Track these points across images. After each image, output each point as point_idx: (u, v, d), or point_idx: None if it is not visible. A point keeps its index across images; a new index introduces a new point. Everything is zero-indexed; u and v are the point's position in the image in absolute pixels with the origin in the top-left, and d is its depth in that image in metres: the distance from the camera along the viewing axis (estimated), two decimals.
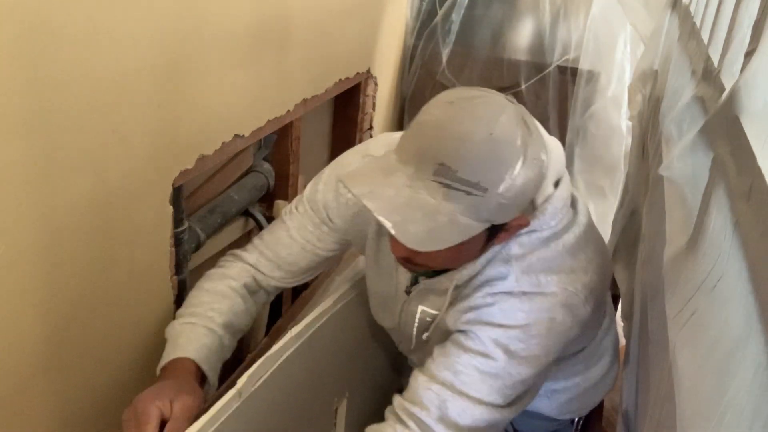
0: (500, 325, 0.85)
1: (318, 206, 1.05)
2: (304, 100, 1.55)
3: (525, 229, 0.87)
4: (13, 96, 0.75)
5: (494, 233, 0.83)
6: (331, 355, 1.17)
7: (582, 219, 0.95)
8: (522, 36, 2.35)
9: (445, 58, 2.25)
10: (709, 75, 0.91)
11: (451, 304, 0.93)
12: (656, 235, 0.96)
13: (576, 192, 1.00)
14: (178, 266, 1.19)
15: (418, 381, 0.88)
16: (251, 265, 1.09)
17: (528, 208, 0.86)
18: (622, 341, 1.31)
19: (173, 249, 1.15)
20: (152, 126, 1.01)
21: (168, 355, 0.97)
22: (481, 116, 0.76)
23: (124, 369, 1.10)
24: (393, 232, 0.74)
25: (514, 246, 0.88)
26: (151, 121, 1.00)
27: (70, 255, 0.90)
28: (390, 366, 1.44)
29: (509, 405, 0.88)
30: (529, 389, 0.91)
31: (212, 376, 0.98)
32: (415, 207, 0.75)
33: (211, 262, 1.47)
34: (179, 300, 1.22)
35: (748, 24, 0.75)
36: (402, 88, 2.41)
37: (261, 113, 1.36)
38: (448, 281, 0.91)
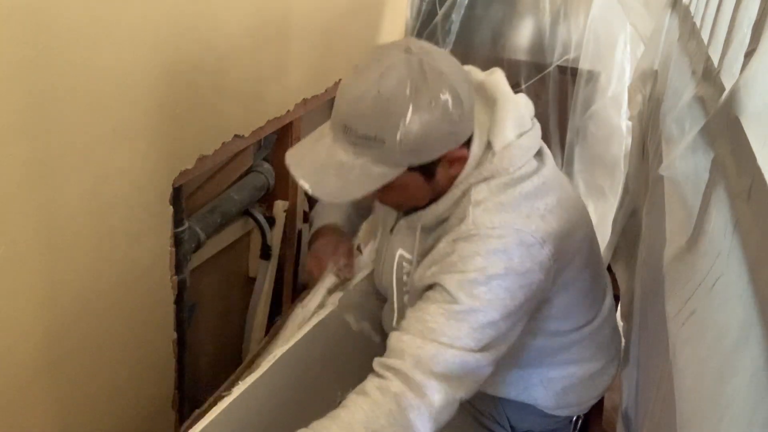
0: (460, 271, 0.89)
1: None
2: (304, 100, 1.55)
3: (483, 175, 0.94)
4: (13, 96, 0.75)
5: (429, 170, 0.93)
6: (332, 350, 1.17)
7: (546, 171, 0.98)
8: (522, 36, 2.35)
9: None
10: (709, 75, 0.91)
11: (419, 260, 0.99)
12: (656, 235, 0.96)
13: (546, 147, 1.03)
14: (178, 266, 1.19)
15: (392, 337, 0.91)
16: None
17: (463, 138, 0.93)
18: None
19: (173, 249, 1.15)
20: (152, 126, 1.01)
21: (317, 224, 1.26)
22: (369, 76, 0.87)
23: (124, 369, 1.10)
24: (310, 191, 0.89)
25: (474, 193, 0.94)
26: (151, 121, 1.00)
27: (70, 255, 0.90)
28: None
29: (482, 350, 0.88)
30: (501, 335, 0.90)
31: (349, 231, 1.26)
32: (330, 166, 0.89)
33: (211, 262, 1.47)
34: (179, 300, 1.22)
35: (748, 24, 0.75)
36: None
37: (261, 113, 1.36)
38: (417, 220, 1.01)
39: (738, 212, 0.56)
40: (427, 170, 0.93)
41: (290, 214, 1.72)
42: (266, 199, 1.66)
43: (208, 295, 1.52)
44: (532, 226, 0.91)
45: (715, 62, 0.90)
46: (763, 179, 0.51)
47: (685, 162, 0.80)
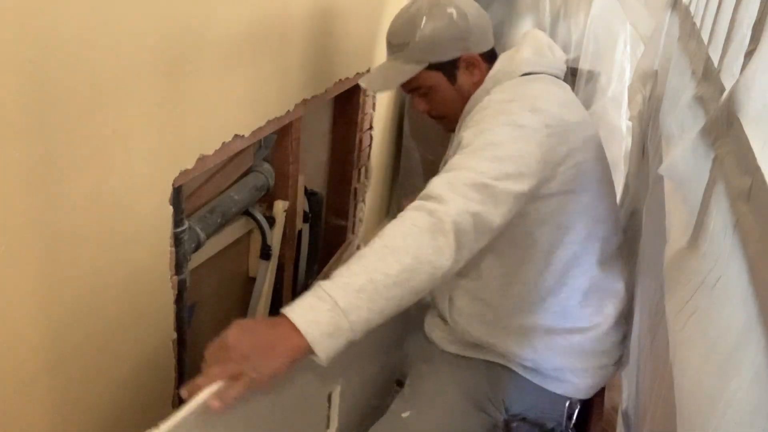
0: (476, 124, 1.09)
1: None
2: (304, 100, 1.55)
3: (499, 77, 1.21)
4: (13, 96, 0.75)
5: (449, 71, 1.24)
6: None
7: (561, 84, 1.25)
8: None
9: None
10: (709, 75, 0.91)
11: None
12: (656, 235, 0.96)
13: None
14: (178, 266, 1.19)
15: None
16: None
17: (473, 46, 1.24)
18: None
19: (173, 249, 1.15)
20: (152, 126, 1.01)
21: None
22: (405, 7, 1.27)
23: (124, 369, 1.10)
24: (364, 86, 1.34)
25: (493, 91, 1.18)
26: (151, 121, 1.00)
27: (70, 255, 0.90)
28: (384, 360, 1.44)
29: (496, 178, 1.00)
30: (510, 173, 1.01)
31: None
32: (382, 72, 1.31)
33: (211, 262, 1.47)
34: (179, 300, 1.22)
35: (748, 24, 0.75)
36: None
37: (261, 113, 1.36)
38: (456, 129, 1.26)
39: (738, 212, 0.56)
40: (447, 70, 1.24)
41: (290, 214, 1.72)
42: (266, 199, 1.66)
43: (208, 295, 1.52)
44: (538, 101, 1.11)
45: (715, 62, 0.90)
46: (763, 179, 0.51)
47: (685, 162, 0.80)
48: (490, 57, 1.26)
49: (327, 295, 0.85)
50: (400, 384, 1.41)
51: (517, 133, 1.05)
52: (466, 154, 1.03)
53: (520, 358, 1.23)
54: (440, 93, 1.25)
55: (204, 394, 0.83)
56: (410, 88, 1.28)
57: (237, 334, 0.86)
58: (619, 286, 1.25)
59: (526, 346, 1.22)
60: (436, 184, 0.99)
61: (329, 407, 1.26)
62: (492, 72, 1.23)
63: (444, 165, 1.24)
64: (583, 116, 1.20)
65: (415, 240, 0.92)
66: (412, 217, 0.94)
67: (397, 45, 1.25)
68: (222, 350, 0.86)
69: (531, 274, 1.19)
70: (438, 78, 1.24)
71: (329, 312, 0.84)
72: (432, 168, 2.54)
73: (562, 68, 1.26)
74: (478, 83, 1.23)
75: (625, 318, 1.26)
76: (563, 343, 1.21)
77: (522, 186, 1.02)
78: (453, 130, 1.31)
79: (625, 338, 1.27)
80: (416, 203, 0.98)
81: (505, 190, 1.00)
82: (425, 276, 0.91)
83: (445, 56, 1.22)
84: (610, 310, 1.23)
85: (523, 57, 1.21)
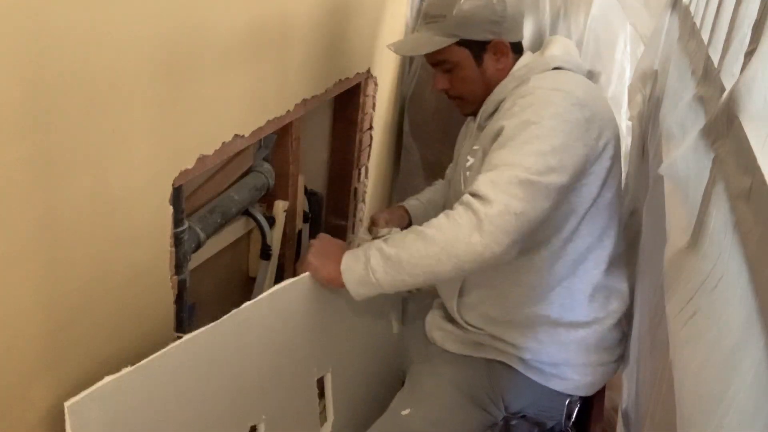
0: (518, 115, 1.11)
1: None
2: (304, 100, 1.55)
3: (536, 69, 1.22)
4: (13, 96, 0.75)
5: (478, 52, 1.25)
6: (306, 320, 1.22)
7: (589, 82, 1.26)
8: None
9: None
10: (709, 75, 0.91)
11: (484, 137, 1.22)
12: (656, 235, 0.96)
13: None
14: (178, 266, 1.19)
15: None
16: None
17: (505, 34, 1.25)
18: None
19: (173, 249, 1.15)
20: (152, 126, 1.01)
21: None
22: None
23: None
24: (393, 50, 1.33)
25: (535, 78, 1.19)
26: (151, 121, 1.00)
27: (70, 255, 0.90)
28: (376, 352, 1.45)
29: (539, 173, 1.04)
30: (552, 167, 1.06)
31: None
32: (414, 39, 1.30)
33: (211, 262, 1.47)
34: (179, 300, 1.22)
35: (748, 24, 0.75)
36: (402, 88, 2.41)
37: (261, 113, 1.36)
38: (480, 113, 1.29)
39: (738, 212, 0.56)
40: (475, 50, 1.26)
41: (290, 214, 1.73)
42: (266, 199, 1.66)
43: (208, 295, 1.52)
44: (578, 92, 1.14)
45: (715, 62, 0.90)
46: (763, 179, 0.51)
47: (685, 162, 0.80)
48: (517, 49, 1.29)
49: (369, 252, 1.10)
50: (400, 383, 1.41)
51: (561, 127, 1.08)
52: (511, 149, 1.07)
53: (522, 350, 1.24)
54: (464, 72, 1.27)
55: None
56: (436, 61, 1.28)
57: (324, 241, 1.23)
58: (623, 287, 1.26)
59: (530, 338, 1.23)
60: (482, 183, 1.05)
61: (320, 392, 1.27)
62: (521, 64, 1.26)
63: (461, 156, 1.34)
64: (612, 113, 1.23)
65: (451, 233, 1.04)
66: (457, 212, 1.05)
67: (433, 16, 1.26)
68: (314, 243, 1.22)
69: (546, 262, 1.20)
70: (465, 56, 1.26)
71: (363, 265, 1.10)
72: (432, 168, 2.53)
73: (585, 71, 1.29)
74: (502, 71, 1.26)
75: (627, 317, 1.27)
76: (567, 337, 1.22)
77: (564, 178, 1.08)
78: (468, 114, 1.36)
79: (625, 337, 1.27)
80: (465, 198, 1.06)
81: (549, 185, 1.05)
82: (449, 266, 1.04)
83: (477, 36, 1.24)
84: (614, 307, 1.24)
85: (553, 53, 1.25)
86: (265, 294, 1.14)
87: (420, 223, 1.20)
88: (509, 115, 1.13)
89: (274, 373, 1.15)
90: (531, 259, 1.20)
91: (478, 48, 1.25)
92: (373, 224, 1.41)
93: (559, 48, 1.27)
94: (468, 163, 1.27)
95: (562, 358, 1.23)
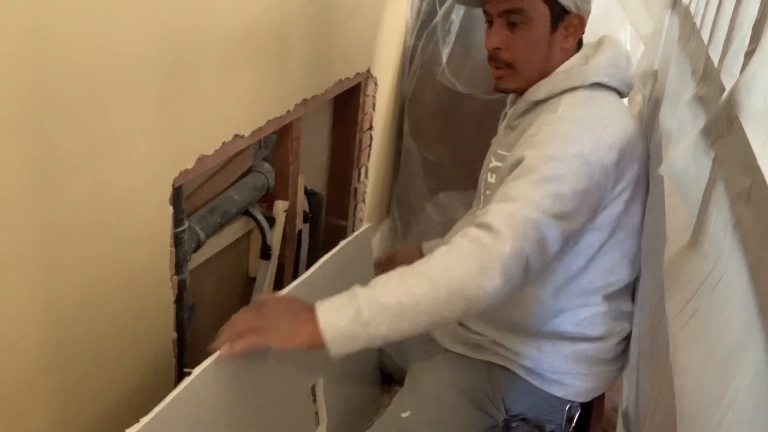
0: (542, 146, 1.04)
1: None
2: (304, 100, 1.55)
3: (573, 79, 1.13)
4: (13, 96, 0.75)
5: (557, 16, 1.13)
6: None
7: (625, 105, 1.20)
8: None
9: (445, 58, 2.24)
10: (709, 75, 0.91)
11: (502, 167, 1.15)
12: (656, 235, 0.96)
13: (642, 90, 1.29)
14: (178, 266, 1.19)
15: (478, 214, 1.02)
16: None
17: (584, 14, 1.16)
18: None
19: (173, 249, 1.15)
20: (152, 126, 1.01)
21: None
22: None
23: (125, 369, 1.10)
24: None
25: (567, 96, 1.12)
26: (151, 121, 1.00)
27: (70, 255, 0.90)
28: (366, 362, 1.46)
29: (555, 217, 0.99)
30: (567, 213, 1.01)
31: None
32: None
33: (211, 262, 1.47)
34: (179, 300, 1.22)
35: (748, 24, 0.75)
36: (402, 88, 2.41)
37: (261, 113, 1.36)
38: (519, 104, 1.19)
39: (738, 212, 0.56)
40: (555, 14, 1.13)
41: (290, 214, 1.72)
42: (266, 199, 1.65)
43: (208, 295, 1.52)
44: (607, 132, 1.06)
45: (715, 62, 0.90)
46: (763, 179, 0.51)
47: (685, 162, 0.80)
48: (581, 40, 1.20)
49: (356, 302, 0.92)
50: (400, 383, 1.41)
51: (584, 169, 1.02)
52: (530, 184, 1.00)
53: (523, 358, 1.23)
54: (534, 32, 1.13)
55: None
56: (510, 8, 1.12)
57: (277, 299, 1.02)
58: (633, 308, 1.24)
59: (532, 347, 1.22)
60: (496, 214, 0.97)
61: (314, 398, 1.27)
62: (567, 65, 1.16)
63: (489, 153, 1.26)
64: (639, 136, 1.16)
65: (459, 274, 0.93)
66: (464, 248, 0.95)
67: None
68: (258, 305, 0.99)
69: (550, 294, 1.17)
70: (544, 14, 1.12)
71: (351, 319, 0.91)
72: (432, 168, 2.53)
73: (632, 85, 1.21)
74: (565, 53, 1.16)
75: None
76: (570, 349, 1.20)
77: (577, 224, 1.04)
78: (504, 90, 1.22)
79: (629, 344, 1.26)
80: (473, 232, 0.97)
81: (563, 230, 1.01)
82: (458, 309, 0.95)
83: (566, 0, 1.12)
84: (621, 327, 1.22)
85: (599, 63, 1.14)
86: None
87: None
88: (532, 143, 1.05)
89: (276, 391, 1.14)
90: (536, 289, 1.18)
91: (559, 12, 1.13)
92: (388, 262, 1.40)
93: (606, 56, 1.15)
94: (491, 165, 1.22)
95: (564, 368, 1.22)
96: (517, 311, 1.21)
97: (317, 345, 0.92)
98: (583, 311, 1.19)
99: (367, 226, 1.51)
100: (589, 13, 1.18)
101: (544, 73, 1.17)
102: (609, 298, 1.19)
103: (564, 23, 1.14)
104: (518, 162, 1.04)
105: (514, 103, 1.25)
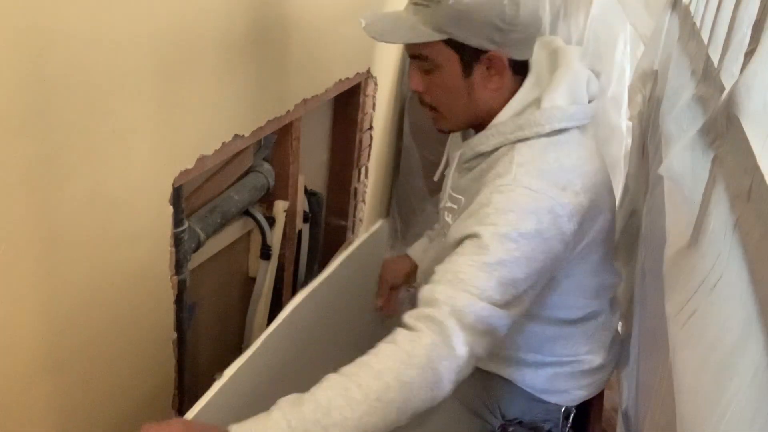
0: (494, 224, 0.94)
1: None
2: (304, 100, 1.55)
3: (522, 129, 1.01)
4: (13, 96, 0.75)
5: (468, 60, 1.01)
6: (322, 325, 1.21)
7: (588, 148, 1.06)
8: None
9: None
10: (709, 75, 0.91)
11: (457, 210, 1.08)
12: (656, 235, 0.96)
13: (598, 131, 1.12)
14: (178, 266, 1.19)
15: (425, 290, 0.94)
16: None
17: (511, 46, 1.01)
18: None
19: (173, 249, 1.15)
20: (152, 126, 1.01)
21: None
22: None
23: (125, 369, 1.10)
24: (365, 26, 1.03)
25: (518, 155, 1.00)
26: (150, 121, 1.00)
27: (70, 255, 0.90)
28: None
29: (504, 306, 0.92)
30: (520, 296, 0.94)
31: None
32: (393, 21, 1.04)
33: (211, 262, 1.47)
34: (179, 300, 1.22)
35: (748, 24, 0.75)
36: (402, 88, 2.41)
37: (261, 113, 1.36)
38: (465, 147, 1.09)
39: (738, 212, 0.56)
40: (465, 57, 1.01)
41: (290, 214, 1.72)
42: (266, 199, 1.65)
43: (208, 295, 1.52)
44: (565, 200, 0.96)
45: (715, 62, 0.90)
46: (763, 179, 0.51)
47: (685, 162, 0.80)
48: (519, 69, 1.04)
49: (291, 422, 0.78)
50: None
51: (541, 247, 0.94)
52: (481, 269, 0.91)
53: (509, 377, 1.23)
54: (446, 79, 1.03)
55: None
56: (416, 53, 1.04)
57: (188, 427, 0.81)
58: (614, 319, 1.23)
59: (513, 372, 1.21)
60: (446, 307, 0.89)
61: None
62: (515, 107, 1.03)
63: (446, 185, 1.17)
64: (606, 183, 1.07)
65: (412, 395, 0.86)
66: (411, 356, 0.86)
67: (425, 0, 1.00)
68: None
69: (550, 314, 1.15)
70: (451, 60, 1.01)
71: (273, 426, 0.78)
72: (432, 168, 2.53)
73: (592, 114, 1.07)
74: (494, 93, 1.03)
75: (625, 318, 1.26)
76: (551, 372, 1.19)
77: (529, 301, 0.97)
78: (442, 131, 1.14)
79: (623, 341, 1.26)
80: (414, 335, 0.88)
81: (514, 316, 0.95)
82: (408, 415, 0.88)
83: (472, 40, 0.99)
84: (600, 342, 1.21)
85: (554, 105, 1.01)
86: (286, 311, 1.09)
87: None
88: (484, 217, 0.95)
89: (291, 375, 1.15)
90: (536, 313, 1.13)
91: (470, 55, 1.00)
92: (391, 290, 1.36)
93: (562, 92, 1.01)
94: (447, 204, 1.14)
95: (548, 386, 1.21)
96: (485, 363, 1.19)
97: None
98: (556, 338, 1.17)
99: (381, 222, 1.49)
100: (519, 43, 1.02)
101: (477, 116, 1.06)
102: (579, 322, 1.17)
103: (479, 65, 1.01)
104: (470, 236, 0.95)
105: (458, 144, 1.15)
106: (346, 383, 0.83)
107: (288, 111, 1.48)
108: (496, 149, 1.03)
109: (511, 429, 1.26)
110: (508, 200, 0.95)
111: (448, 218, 1.13)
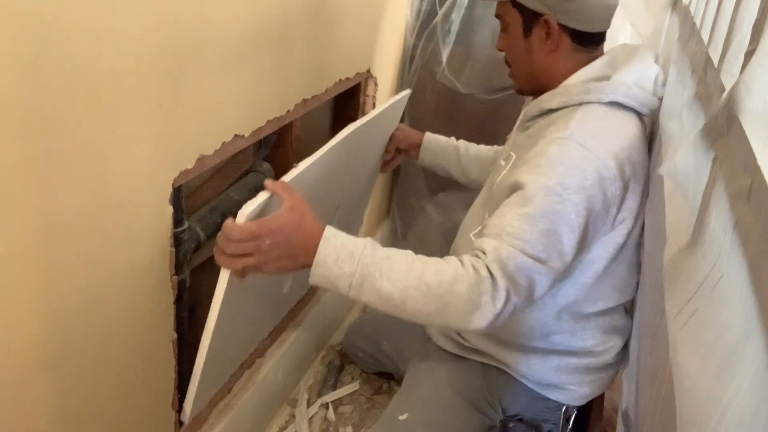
0: (543, 174, 1.00)
1: None
2: (304, 100, 1.55)
3: (589, 92, 1.09)
4: (13, 96, 0.75)
5: (528, 21, 1.14)
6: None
7: (642, 130, 1.13)
8: None
9: (445, 58, 2.24)
10: (709, 75, 0.91)
11: (520, 144, 1.16)
12: (656, 235, 0.96)
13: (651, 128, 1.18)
14: (178, 266, 1.19)
15: (476, 243, 1.02)
16: None
17: (562, 13, 1.11)
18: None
19: (173, 249, 1.15)
20: (152, 126, 1.01)
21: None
22: None
23: (124, 369, 1.10)
24: None
25: (582, 111, 1.08)
26: (151, 120, 1.00)
27: (69, 255, 0.90)
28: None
29: (544, 262, 0.98)
30: (559, 252, 0.99)
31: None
32: None
33: (212, 262, 1.47)
34: (179, 300, 1.22)
35: (748, 24, 0.75)
36: (402, 88, 2.41)
37: (261, 113, 1.36)
38: (533, 107, 1.17)
39: (738, 212, 0.56)
40: (525, 19, 1.14)
41: None
42: None
43: (208, 295, 1.52)
44: (612, 163, 1.02)
45: (715, 62, 0.90)
46: (763, 179, 0.51)
47: (685, 162, 0.80)
48: (583, 40, 1.14)
49: (357, 267, 0.94)
50: (399, 382, 1.41)
51: (584, 204, 0.99)
52: (526, 220, 0.97)
53: (514, 369, 1.23)
54: (513, 37, 1.18)
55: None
56: (496, 13, 1.20)
57: (280, 227, 0.95)
58: (626, 322, 1.24)
59: (520, 362, 1.22)
60: (492, 255, 0.96)
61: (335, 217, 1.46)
62: (585, 72, 1.13)
63: (502, 150, 1.29)
64: (646, 166, 1.12)
65: (453, 302, 0.95)
66: (467, 282, 0.95)
67: None
68: (259, 235, 0.95)
69: (548, 310, 1.17)
70: (516, 20, 1.16)
71: (341, 275, 0.95)
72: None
73: (654, 107, 1.15)
74: (552, 56, 1.14)
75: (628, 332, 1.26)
76: (560, 363, 1.21)
77: (570, 258, 1.02)
78: (519, 93, 1.26)
79: (625, 346, 1.26)
80: (476, 263, 0.96)
81: (555, 272, 0.99)
82: (436, 323, 0.98)
83: (529, 2, 1.13)
84: (614, 342, 1.22)
85: (622, 81, 1.10)
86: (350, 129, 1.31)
87: (438, 164, 1.34)
88: (534, 167, 1.01)
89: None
90: (525, 314, 1.17)
91: (529, 17, 1.14)
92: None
93: (632, 73, 1.11)
94: (500, 161, 1.21)
95: (555, 378, 1.22)
96: (505, 329, 1.21)
97: (299, 266, 0.98)
98: (571, 330, 1.19)
99: (406, 93, 1.66)
100: (576, 12, 1.11)
101: (537, 77, 1.17)
102: (600, 315, 1.19)
103: (537, 27, 1.14)
104: (518, 186, 1.01)
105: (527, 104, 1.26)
106: (414, 262, 0.96)
107: (288, 111, 1.48)
108: (559, 109, 1.11)
109: (511, 425, 1.27)
110: (561, 154, 1.01)
111: (496, 174, 1.21)
